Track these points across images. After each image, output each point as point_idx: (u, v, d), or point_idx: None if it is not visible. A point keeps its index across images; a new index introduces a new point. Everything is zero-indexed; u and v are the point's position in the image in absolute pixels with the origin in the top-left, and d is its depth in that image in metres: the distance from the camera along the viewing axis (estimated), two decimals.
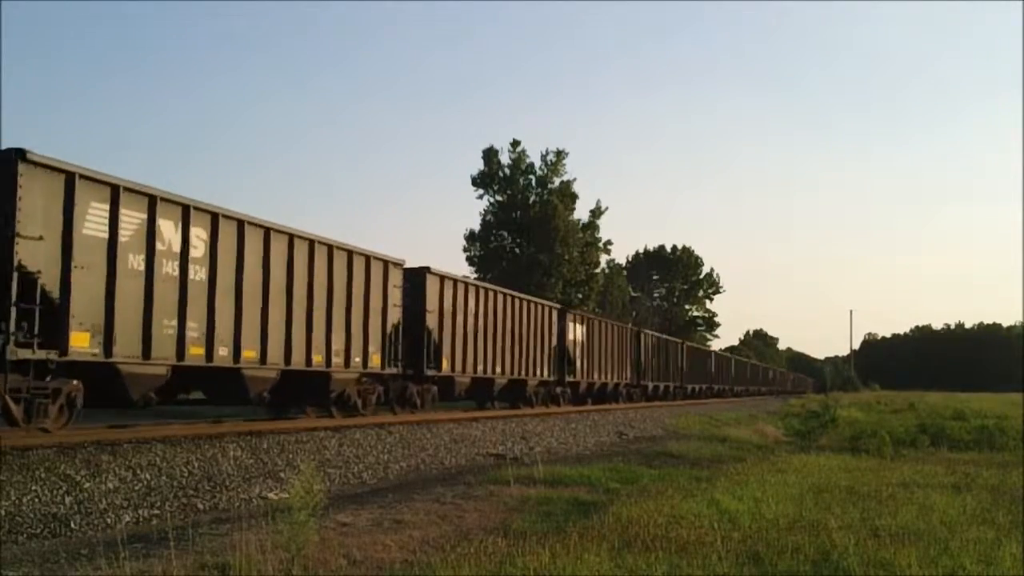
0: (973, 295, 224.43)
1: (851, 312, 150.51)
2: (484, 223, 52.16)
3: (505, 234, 51.90)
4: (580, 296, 51.27)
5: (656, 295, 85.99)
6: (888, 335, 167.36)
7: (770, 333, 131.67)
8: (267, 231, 13.42)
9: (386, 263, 16.85)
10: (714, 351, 61.21)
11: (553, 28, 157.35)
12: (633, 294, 76.76)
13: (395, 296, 17.12)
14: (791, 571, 6.17)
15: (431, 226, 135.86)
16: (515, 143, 51.94)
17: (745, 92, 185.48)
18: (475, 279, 44.19)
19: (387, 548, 6.82)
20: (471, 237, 52.35)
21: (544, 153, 52.29)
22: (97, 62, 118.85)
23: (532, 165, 52.02)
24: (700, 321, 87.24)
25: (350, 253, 15.64)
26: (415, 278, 18.18)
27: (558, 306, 26.82)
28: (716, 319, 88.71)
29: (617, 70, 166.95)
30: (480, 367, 20.64)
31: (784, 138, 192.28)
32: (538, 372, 24.22)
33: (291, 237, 14.02)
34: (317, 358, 14.60)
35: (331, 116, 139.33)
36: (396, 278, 17.23)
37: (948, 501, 9.77)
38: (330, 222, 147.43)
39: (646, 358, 35.83)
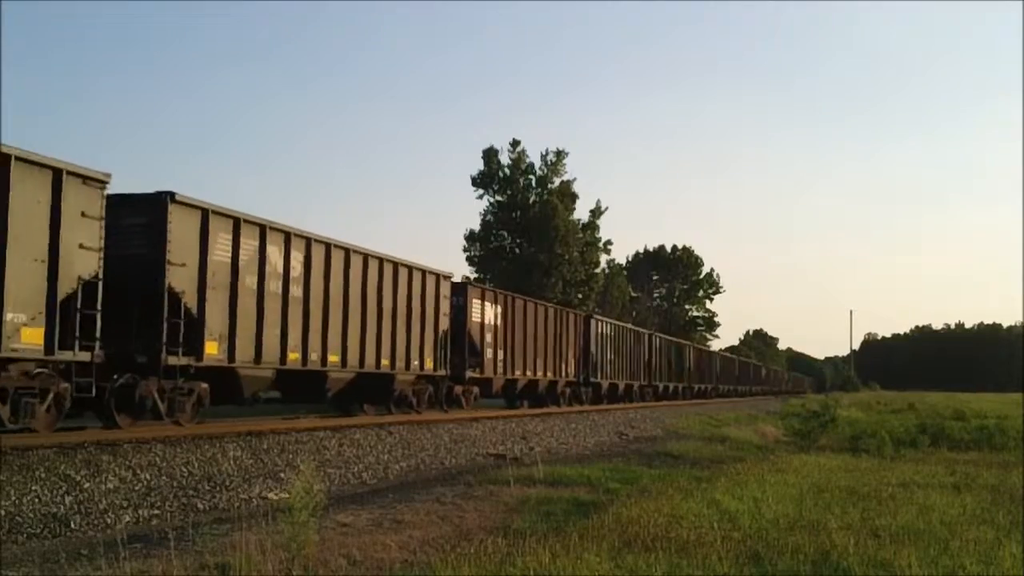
0: (973, 295, 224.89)
1: (851, 312, 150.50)
2: (484, 223, 52.15)
3: (505, 234, 51.87)
4: (580, 296, 51.25)
5: (656, 295, 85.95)
6: (888, 335, 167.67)
7: (770, 333, 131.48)
8: None
9: (57, 173, 9.97)
10: (694, 345, 52.72)
11: (553, 28, 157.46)
12: (633, 294, 76.65)
13: (83, 232, 10.28)
14: (791, 571, 6.17)
15: (431, 226, 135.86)
16: (515, 143, 51.93)
17: (745, 92, 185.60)
18: (476, 270, 43.85)
19: (387, 548, 6.82)
20: (471, 237, 52.34)
21: (544, 153, 52.30)
22: (97, 62, 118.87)
23: (532, 165, 52.01)
24: (700, 321, 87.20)
25: None
26: (149, 209, 11.53)
27: (449, 273, 19.65)
28: (716, 319, 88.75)
29: (617, 70, 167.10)
30: (294, 354, 13.91)
31: (784, 138, 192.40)
32: (414, 364, 17.67)
33: None
34: None
35: (331, 116, 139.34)
36: (85, 202, 10.35)
37: (948, 501, 9.77)
38: (330, 222, 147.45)
39: (600, 351, 29.87)
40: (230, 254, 12.69)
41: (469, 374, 20.59)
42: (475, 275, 49.22)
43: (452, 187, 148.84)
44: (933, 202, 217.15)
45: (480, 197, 52.34)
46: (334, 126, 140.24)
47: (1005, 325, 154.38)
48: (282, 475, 11.04)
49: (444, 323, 19.05)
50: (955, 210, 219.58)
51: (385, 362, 16.70)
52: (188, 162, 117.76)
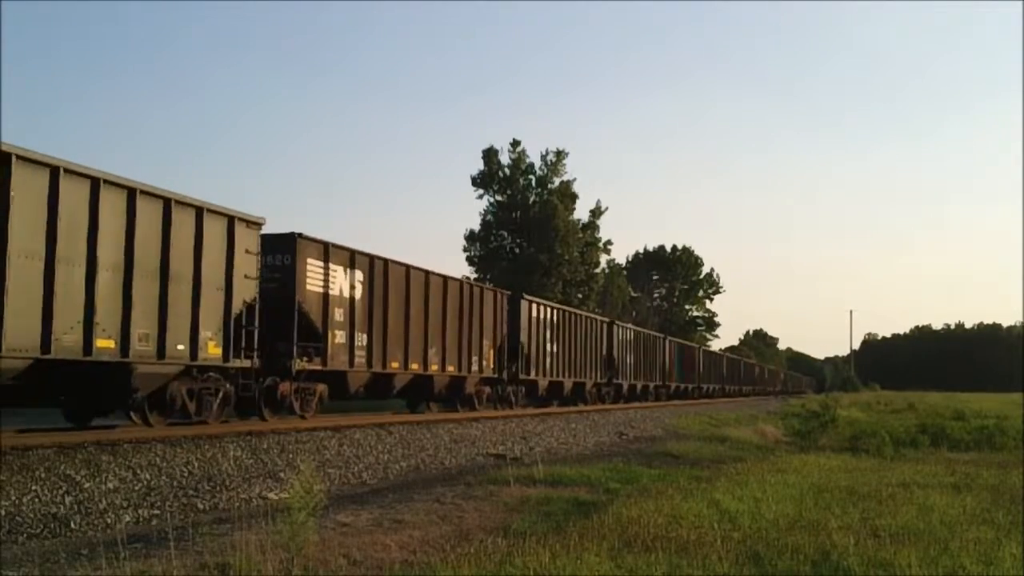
0: (973, 295, 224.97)
1: (851, 312, 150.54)
2: (484, 223, 52.17)
3: (505, 234, 51.89)
4: (580, 296, 51.27)
5: (656, 295, 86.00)
6: (888, 335, 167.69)
7: (770, 333, 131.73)
8: None
9: None
10: (672, 339, 44.52)
11: (553, 28, 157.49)
12: (633, 294, 76.69)
13: None
14: (791, 571, 6.17)
15: (431, 226, 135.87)
16: (515, 143, 51.96)
17: (745, 92, 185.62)
18: (474, 277, 43.65)
19: (387, 548, 6.82)
20: (471, 237, 52.35)
21: (544, 153, 52.32)
22: (97, 62, 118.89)
23: (532, 165, 52.05)
24: (700, 321, 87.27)
25: None
26: None
27: (256, 218, 13.11)
28: (716, 319, 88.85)
29: (617, 70, 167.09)
30: None
31: (784, 138, 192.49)
32: (178, 348, 11.61)
33: None
34: None
35: (331, 116, 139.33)
36: None
37: (948, 501, 9.78)
38: (330, 222, 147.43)
39: (535, 339, 23.84)
40: None
41: (300, 365, 14.26)
42: (475, 275, 49.23)
43: (452, 187, 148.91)
44: (933, 202, 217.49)
45: (480, 197, 52.41)
46: (334, 126, 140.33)
47: (1005, 325, 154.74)
48: (282, 475, 11.04)
49: (248, 290, 12.89)
50: (955, 210, 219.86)
51: (106, 344, 10.57)
52: (188, 161, 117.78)
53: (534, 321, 23.94)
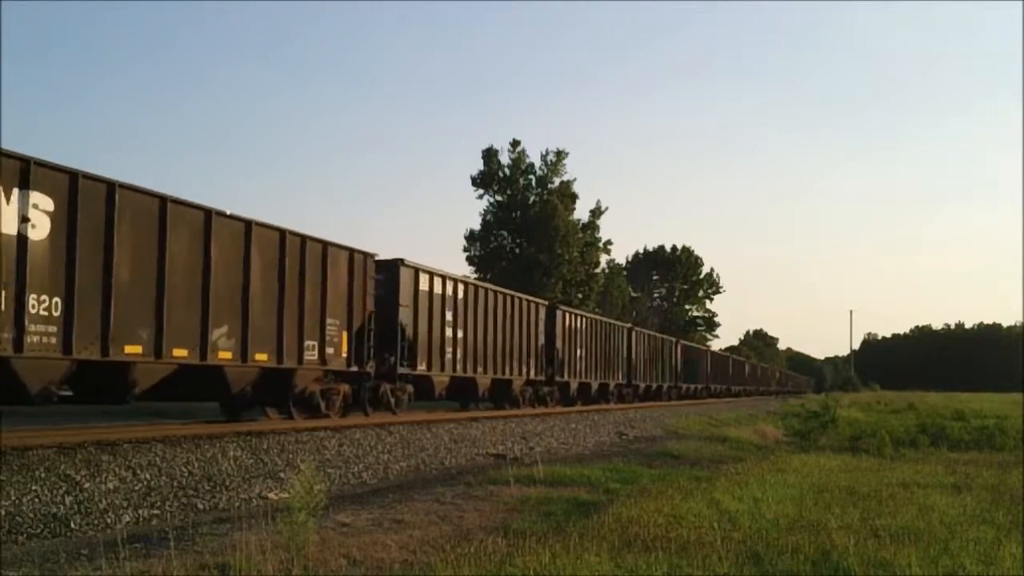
0: (973, 295, 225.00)
1: (851, 312, 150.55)
2: (484, 223, 52.23)
3: (505, 234, 51.96)
4: (580, 296, 51.30)
5: (656, 295, 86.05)
6: (888, 335, 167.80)
7: (770, 333, 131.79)
8: None
9: None
10: (639, 329, 36.78)
11: (553, 28, 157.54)
12: (633, 294, 76.70)
13: None
14: (791, 571, 6.17)
15: (431, 226, 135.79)
16: (515, 143, 52.06)
17: (745, 91, 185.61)
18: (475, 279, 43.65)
19: (387, 548, 6.82)
20: (471, 237, 52.41)
21: (544, 153, 52.45)
22: (97, 61, 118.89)
23: (532, 165, 52.13)
24: (700, 321, 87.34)
25: None
26: None
27: None
28: (716, 319, 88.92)
29: (617, 70, 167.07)
30: None
31: (783, 138, 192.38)
32: None
33: None
34: None
35: (332, 116, 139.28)
36: None
37: (948, 501, 9.78)
38: (330, 222, 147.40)
39: (424, 324, 17.80)
40: None
41: None
42: (475, 275, 49.24)
43: (452, 187, 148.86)
44: (933, 202, 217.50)
45: (480, 197, 52.49)
46: (334, 126, 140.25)
47: (1005, 325, 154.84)
48: (282, 475, 11.04)
49: None
50: (955, 210, 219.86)
51: None
52: (189, 162, 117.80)
53: (423, 297, 17.83)
